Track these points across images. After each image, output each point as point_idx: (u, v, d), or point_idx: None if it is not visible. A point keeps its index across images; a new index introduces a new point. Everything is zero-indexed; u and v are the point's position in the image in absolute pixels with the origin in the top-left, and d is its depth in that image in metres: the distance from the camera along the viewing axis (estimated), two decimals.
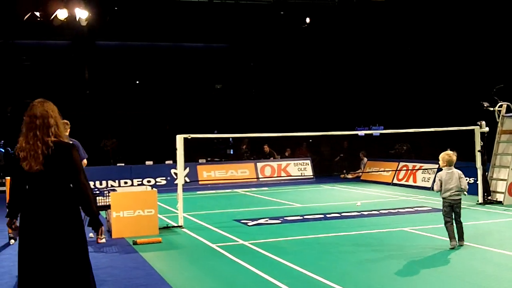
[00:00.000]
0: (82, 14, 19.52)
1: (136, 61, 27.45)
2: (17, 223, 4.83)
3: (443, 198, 8.98)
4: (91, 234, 10.59)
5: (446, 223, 8.93)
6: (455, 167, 9.08)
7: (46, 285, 4.62)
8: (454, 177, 8.84)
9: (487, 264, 7.80)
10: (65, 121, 10.81)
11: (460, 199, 8.99)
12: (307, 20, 24.36)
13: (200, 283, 7.28)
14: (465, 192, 9.02)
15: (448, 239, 8.90)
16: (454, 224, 8.93)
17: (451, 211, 8.91)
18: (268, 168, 21.85)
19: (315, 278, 7.18)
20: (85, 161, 11.23)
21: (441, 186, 8.93)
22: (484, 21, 19.51)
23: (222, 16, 24.63)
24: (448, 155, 9.00)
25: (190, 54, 28.39)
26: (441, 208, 9.06)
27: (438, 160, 9.27)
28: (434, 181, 9.17)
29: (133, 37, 26.82)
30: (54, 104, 4.97)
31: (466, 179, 9.09)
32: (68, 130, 10.73)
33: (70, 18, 19.66)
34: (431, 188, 9.87)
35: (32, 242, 4.63)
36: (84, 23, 19.81)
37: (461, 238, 8.99)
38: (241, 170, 21.45)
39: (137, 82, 28.35)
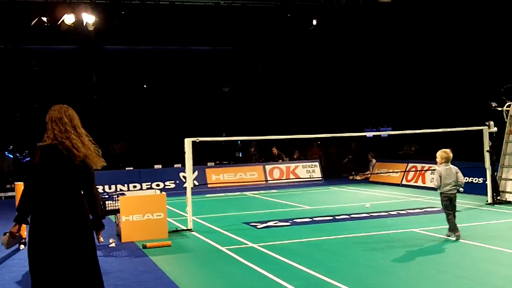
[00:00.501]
0: (89, 19, 19.66)
1: (144, 65, 27.54)
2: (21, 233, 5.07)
3: (442, 193, 9.56)
4: (101, 238, 10.64)
5: (448, 215, 9.54)
6: (452, 164, 9.54)
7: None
8: (452, 172, 9.50)
9: (498, 265, 7.76)
10: None
11: (456, 193, 9.57)
12: (314, 22, 24.36)
13: (210, 286, 7.29)
14: (461, 188, 9.56)
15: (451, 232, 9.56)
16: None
17: (451, 204, 9.50)
18: (277, 170, 21.84)
19: (324, 280, 7.17)
20: None
21: (440, 181, 9.47)
22: (491, 22, 19.44)
23: (228, 19, 24.67)
24: (445, 152, 9.64)
25: (197, 58, 28.46)
26: None
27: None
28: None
29: (140, 41, 26.91)
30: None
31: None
32: None
33: (77, 23, 19.79)
34: (433, 182, 10.15)
35: (45, 245, 4.73)
36: (91, 28, 19.94)
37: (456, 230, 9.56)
38: (250, 173, 21.45)
39: (145, 86, 28.44)
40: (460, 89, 20.69)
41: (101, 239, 5.27)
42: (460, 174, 9.54)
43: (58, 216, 4.78)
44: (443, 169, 9.53)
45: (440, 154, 9.66)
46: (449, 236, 9.60)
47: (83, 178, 4.98)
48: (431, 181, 9.83)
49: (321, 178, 21.82)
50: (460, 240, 9.44)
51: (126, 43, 27.27)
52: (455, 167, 9.60)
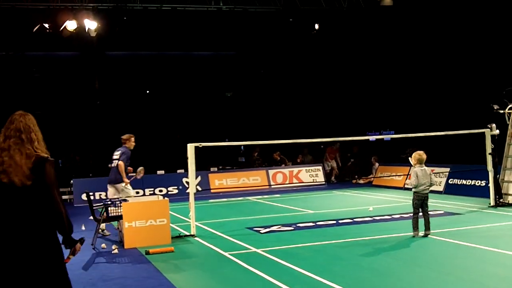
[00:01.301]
0: (91, 25, 19.69)
1: (146, 70, 27.59)
2: None
3: (415, 192, 10.17)
4: (103, 245, 10.66)
5: (414, 214, 10.19)
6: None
7: None
8: (426, 173, 10.17)
9: (499, 267, 7.76)
10: (130, 135, 12.34)
11: (428, 193, 10.24)
12: (316, 26, 24.37)
13: None
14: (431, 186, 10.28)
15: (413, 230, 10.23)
16: (422, 216, 10.16)
17: (421, 204, 10.15)
18: (280, 175, 21.84)
19: (328, 285, 7.17)
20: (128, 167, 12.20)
21: (417, 181, 10.09)
22: (493, 25, 19.44)
23: (230, 24, 24.70)
24: (419, 154, 10.31)
25: (200, 63, 28.51)
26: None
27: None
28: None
29: (143, 46, 26.97)
30: (34, 118, 4.80)
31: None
32: (132, 140, 12.14)
33: (79, 29, 19.82)
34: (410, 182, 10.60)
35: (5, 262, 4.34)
36: (93, 34, 19.97)
37: (427, 228, 10.12)
38: (253, 178, 21.46)
39: (147, 91, 28.49)
40: (462, 92, 20.66)
41: (70, 258, 4.63)
42: (432, 175, 10.26)
43: (18, 230, 4.33)
44: (418, 170, 10.16)
45: (414, 156, 10.33)
46: (416, 235, 10.08)
47: (41, 182, 4.38)
48: (406, 184, 10.28)
49: (324, 182, 21.81)
50: (463, 242, 9.45)
51: (129, 49, 27.33)
52: (429, 169, 10.29)
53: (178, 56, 28.09)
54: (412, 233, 10.19)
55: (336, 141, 22.75)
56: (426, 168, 10.24)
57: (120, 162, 12.11)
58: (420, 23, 22.66)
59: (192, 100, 28.08)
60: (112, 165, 12.41)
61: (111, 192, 12.46)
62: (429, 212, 10.38)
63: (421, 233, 10.16)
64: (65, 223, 4.48)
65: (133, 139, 12.32)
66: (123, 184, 12.31)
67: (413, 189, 10.27)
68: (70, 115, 25.98)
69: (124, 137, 12.43)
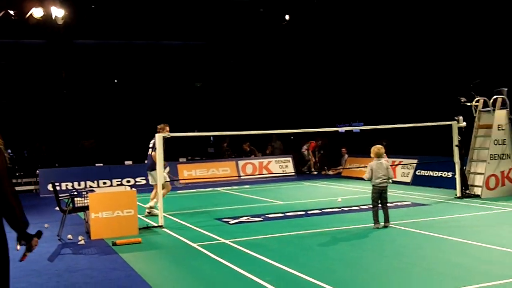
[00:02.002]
0: (58, 12, 19.31)
1: (114, 59, 27.21)
2: None
3: (373, 185, 10.35)
4: (69, 236, 10.48)
5: (373, 207, 10.35)
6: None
7: None
8: (382, 167, 10.29)
9: (465, 257, 7.85)
10: (165, 124, 12.61)
11: (387, 186, 10.38)
12: (287, 17, 24.34)
13: (181, 282, 7.23)
14: (390, 180, 10.46)
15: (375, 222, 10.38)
16: (381, 209, 10.32)
17: (379, 197, 10.29)
18: (250, 166, 21.82)
19: (296, 275, 7.16)
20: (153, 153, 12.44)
21: (372, 174, 10.29)
22: (460, 18, 19.66)
23: (200, 14, 24.51)
24: (377, 148, 10.50)
25: (169, 52, 28.23)
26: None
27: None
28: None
29: (111, 35, 26.57)
30: None
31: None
32: (167, 129, 12.52)
33: (46, 17, 19.42)
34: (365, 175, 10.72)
35: None
36: (60, 22, 19.59)
37: (387, 220, 10.31)
38: (222, 169, 21.38)
39: (115, 81, 28.11)
40: (430, 85, 20.90)
41: (26, 255, 4.37)
42: (390, 169, 10.42)
43: None
44: (374, 164, 10.36)
45: (373, 149, 10.52)
46: (377, 227, 10.19)
47: None
48: (365, 177, 10.30)
49: (293, 174, 21.87)
50: (429, 233, 9.57)
51: (96, 38, 26.90)
52: (386, 163, 10.47)
53: (146, 46, 27.77)
54: (377, 227, 10.27)
55: (319, 136, 22.95)
56: (383, 161, 10.40)
57: (154, 153, 12.49)
58: (389, 14, 22.81)
59: (161, 90, 27.81)
60: (148, 153, 13.12)
61: (150, 179, 13.30)
62: (388, 204, 10.46)
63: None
64: (17, 217, 4.20)
65: (167, 128, 12.72)
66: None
67: (371, 182, 10.44)
68: (36, 104, 25.50)
69: (159, 126, 12.82)
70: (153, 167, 12.62)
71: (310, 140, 23.52)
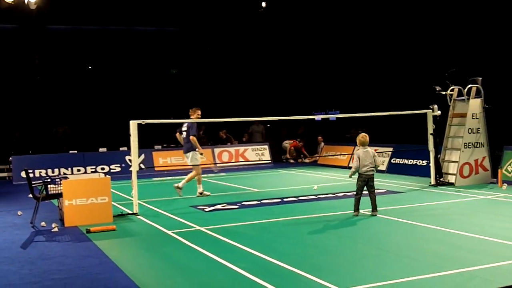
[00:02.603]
0: None
1: (88, 45, 26.82)
2: None
3: (359, 174, 10.34)
4: (43, 223, 10.34)
5: (356, 195, 10.35)
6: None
7: None
8: (369, 155, 10.31)
9: (439, 244, 7.93)
10: (197, 108, 13.20)
11: (373, 174, 10.36)
12: (263, 4, 24.23)
13: (155, 269, 7.17)
14: (376, 169, 10.45)
15: (354, 209, 10.43)
16: (369, 196, 10.33)
17: (364, 185, 10.30)
18: (226, 153, 21.76)
19: (272, 262, 7.16)
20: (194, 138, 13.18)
21: (359, 163, 10.27)
22: (435, 6, 19.77)
23: None
24: (362, 137, 10.53)
25: (143, 38, 27.91)
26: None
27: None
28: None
29: (84, 21, 26.17)
30: None
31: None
32: (198, 113, 13.19)
33: (19, 1, 18.99)
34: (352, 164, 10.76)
35: None
36: (33, 6, 19.17)
37: (374, 209, 10.32)
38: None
39: (90, 67, 27.73)
40: (405, 73, 21.01)
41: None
42: (377, 157, 10.42)
43: None
44: (361, 152, 10.35)
45: (358, 138, 10.56)
46: (356, 215, 10.27)
47: None
48: (353, 166, 10.30)
49: (270, 161, 21.88)
50: (404, 220, 9.65)
51: (70, 23, 26.47)
52: (373, 151, 10.47)
53: (121, 31, 27.41)
54: (356, 215, 10.31)
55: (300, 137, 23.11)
56: (369, 149, 10.42)
57: (192, 137, 13.20)
58: (365, 3, 22.85)
59: (136, 77, 27.51)
60: (183, 135, 13.60)
61: (187, 160, 13.83)
62: (374, 194, 10.48)
63: (368, 213, 10.33)
64: None
65: (199, 111, 13.29)
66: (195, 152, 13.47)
67: (358, 171, 10.40)
68: (8, 90, 25.03)
69: (191, 110, 13.37)
70: (190, 149, 13.29)
71: (294, 131, 23.69)
